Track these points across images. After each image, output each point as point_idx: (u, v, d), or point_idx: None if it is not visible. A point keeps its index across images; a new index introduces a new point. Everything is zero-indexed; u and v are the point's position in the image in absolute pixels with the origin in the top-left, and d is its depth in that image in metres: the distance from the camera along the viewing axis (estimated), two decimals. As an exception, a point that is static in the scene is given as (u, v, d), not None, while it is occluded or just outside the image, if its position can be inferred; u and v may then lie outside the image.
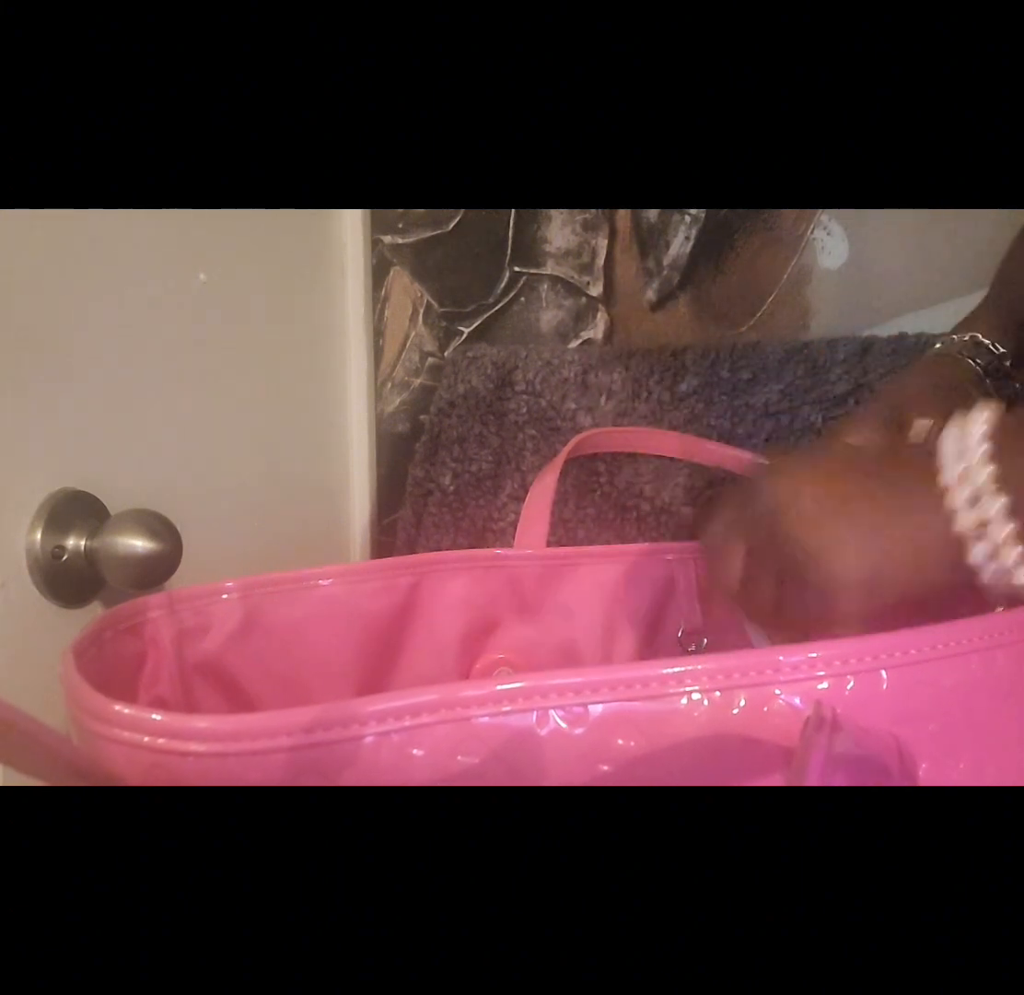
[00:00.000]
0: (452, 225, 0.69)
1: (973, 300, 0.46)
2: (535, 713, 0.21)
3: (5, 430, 0.38)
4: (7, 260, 0.38)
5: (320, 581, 0.41)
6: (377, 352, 0.73)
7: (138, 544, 0.38)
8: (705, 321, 0.63)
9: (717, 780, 0.22)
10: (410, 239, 0.71)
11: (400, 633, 0.43)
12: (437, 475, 0.64)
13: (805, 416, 0.55)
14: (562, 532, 0.58)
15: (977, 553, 0.25)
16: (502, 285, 0.68)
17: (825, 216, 0.58)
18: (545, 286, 0.67)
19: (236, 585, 0.39)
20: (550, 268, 0.67)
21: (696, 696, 0.22)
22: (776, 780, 0.22)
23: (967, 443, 0.25)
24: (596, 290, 0.66)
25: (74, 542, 0.40)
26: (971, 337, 0.42)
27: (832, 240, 0.58)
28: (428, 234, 0.70)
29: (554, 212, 0.66)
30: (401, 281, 0.72)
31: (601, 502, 0.59)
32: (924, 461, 0.27)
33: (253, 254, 0.57)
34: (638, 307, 0.65)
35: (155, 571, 0.39)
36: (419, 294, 0.71)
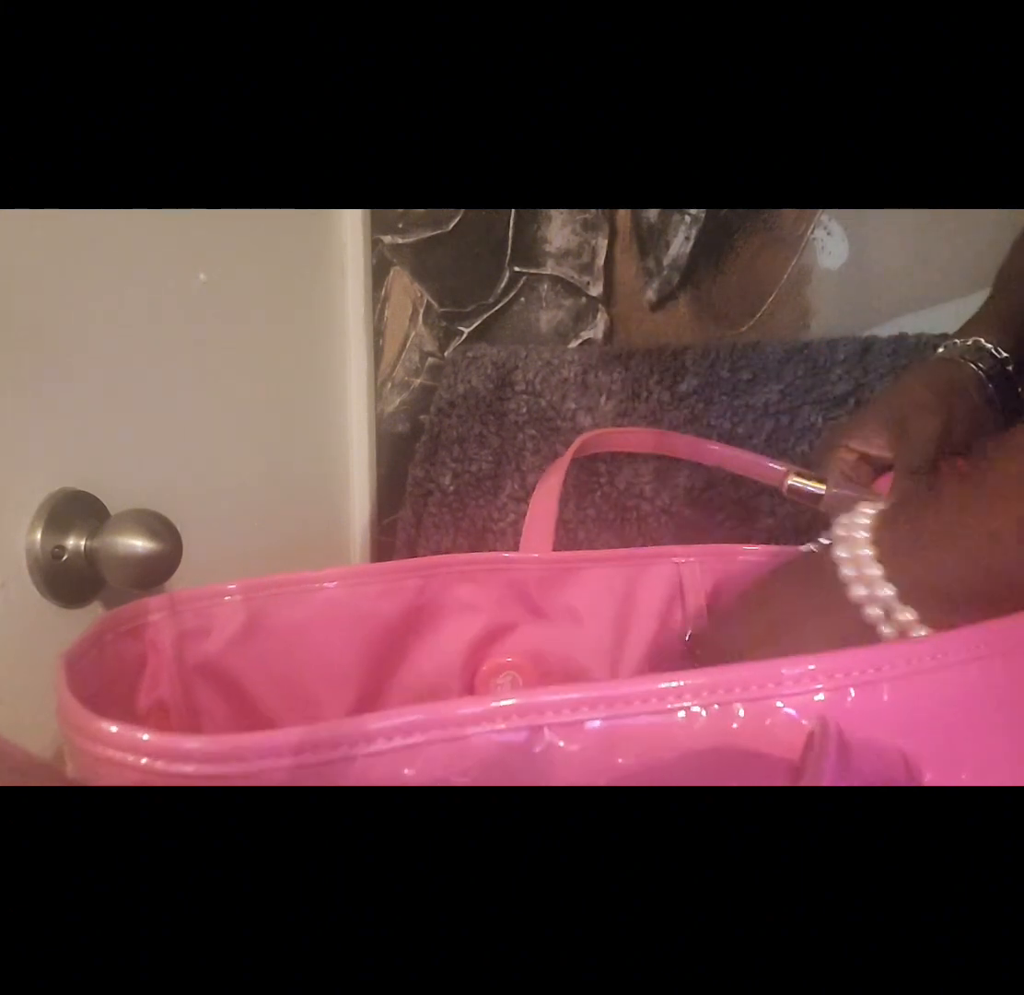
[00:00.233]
0: (452, 225, 0.69)
1: (973, 300, 0.46)
2: (530, 731, 0.21)
3: (5, 430, 0.38)
4: (7, 260, 0.38)
5: (324, 584, 0.40)
6: (377, 352, 0.73)
7: (138, 544, 0.38)
8: (705, 321, 0.63)
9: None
10: (410, 239, 0.71)
11: (405, 637, 0.43)
12: (437, 475, 0.64)
13: (805, 416, 0.55)
14: (562, 533, 0.58)
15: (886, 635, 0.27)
16: (502, 285, 0.68)
17: (825, 216, 0.58)
18: (545, 286, 0.67)
19: (238, 587, 0.38)
20: (550, 268, 0.67)
21: (695, 709, 0.21)
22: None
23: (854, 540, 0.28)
24: (596, 290, 0.66)
25: (74, 542, 0.40)
26: (973, 341, 0.42)
27: (832, 240, 0.58)
28: (428, 234, 0.70)
29: (554, 212, 0.66)
30: (401, 281, 0.72)
31: (601, 503, 0.59)
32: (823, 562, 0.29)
33: (253, 254, 0.57)
34: (638, 307, 0.65)
35: (155, 571, 0.39)
36: (419, 294, 0.71)
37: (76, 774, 0.23)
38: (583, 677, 0.44)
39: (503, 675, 0.45)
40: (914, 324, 0.55)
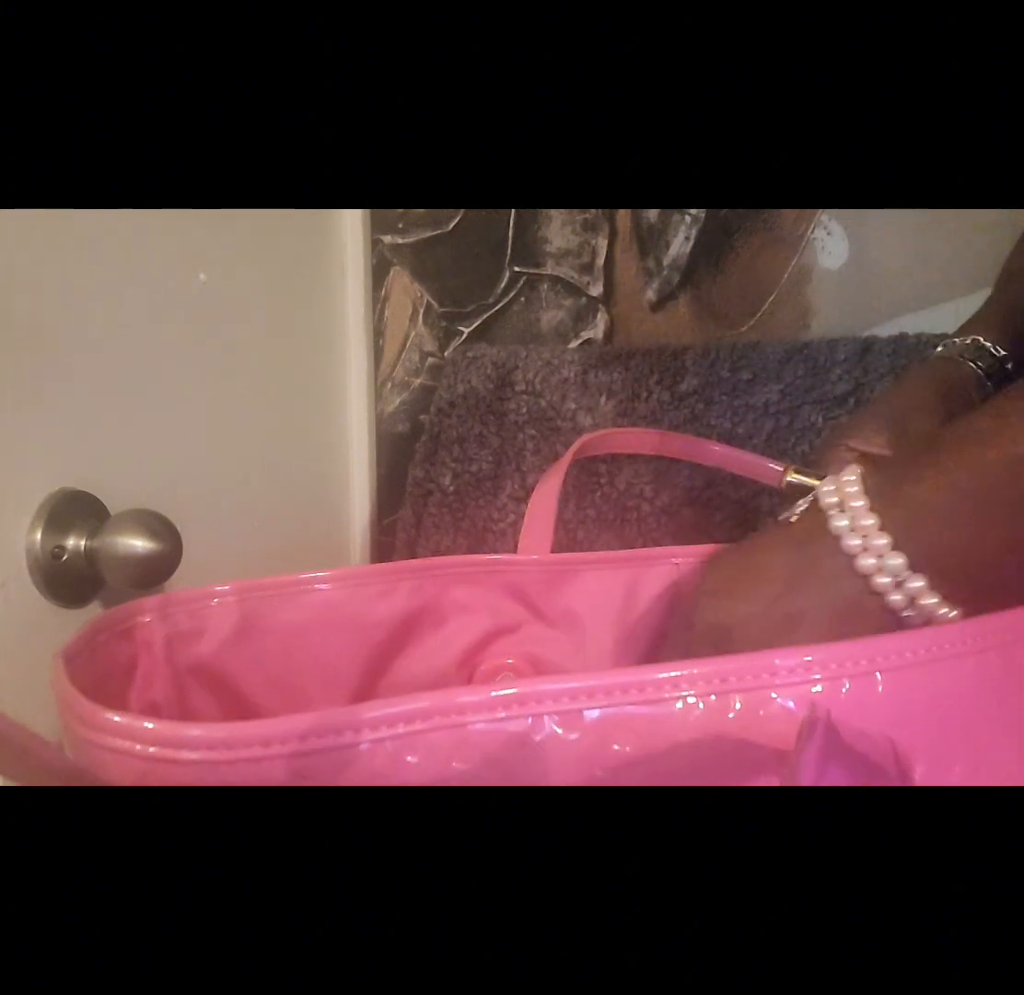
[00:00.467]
0: (452, 225, 0.69)
1: (973, 300, 0.46)
2: (530, 719, 0.21)
3: (5, 430, 0.38)
4: (7, 260, 0.38)
5: (318, 585, 0.40)
6: (377, 352, 0.73)
7: (138, 544, 0.38)
8: (705, 321, 0.63)
9: (713, 783, 0.22)
10: (410, 239, 0.71)
11: (401, 638, 0.43)
12: (437, 475, 0.64)
13: (805, 416, 0.55)
14: (562, 533, 0.58)
15: (894, 603, 0.27)
16: (502, 285, 0.68)
17: (825, 216, 0.58)
18: (545, 286, 0.67)
19: (232, 588, 0.38)
20: (550, 268, 0.67)
21: (691, 700, 0.22)
22: (772, 782, 0.22)
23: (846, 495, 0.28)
24: (596, 290, 0.66)
25: (74, 542, 0.40)
26: (972, 340, 0.42)
27: (832, 240, 0.58)
28: (428, 234, 0.70)
29: (554, 212, 0.66)
30: (401, 281, 0.72)
31: (601, 503, 0.59)
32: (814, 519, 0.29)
33: (253, 254, 0.57)
34: (638, 307, 0.65)
35: (155, 571, 0.39)
36: (419, 294, 0.71)
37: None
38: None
39: (501, 677, 0.45)
40: (914, 324, 0.55)
